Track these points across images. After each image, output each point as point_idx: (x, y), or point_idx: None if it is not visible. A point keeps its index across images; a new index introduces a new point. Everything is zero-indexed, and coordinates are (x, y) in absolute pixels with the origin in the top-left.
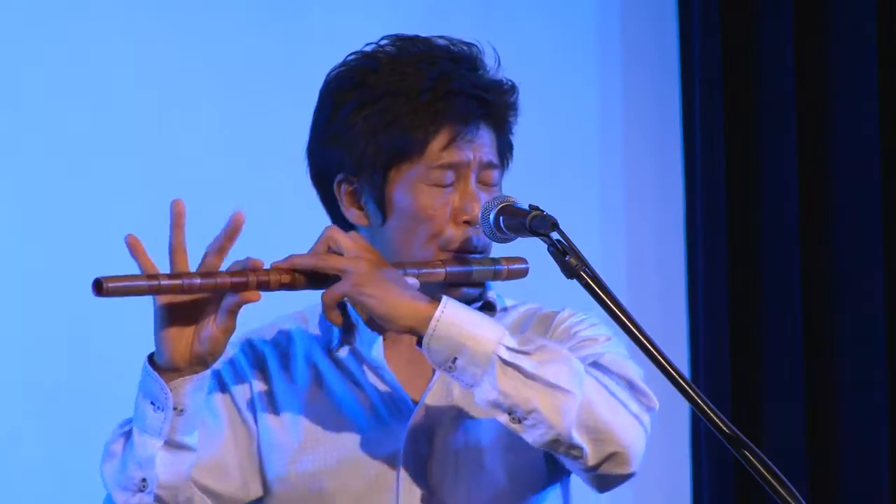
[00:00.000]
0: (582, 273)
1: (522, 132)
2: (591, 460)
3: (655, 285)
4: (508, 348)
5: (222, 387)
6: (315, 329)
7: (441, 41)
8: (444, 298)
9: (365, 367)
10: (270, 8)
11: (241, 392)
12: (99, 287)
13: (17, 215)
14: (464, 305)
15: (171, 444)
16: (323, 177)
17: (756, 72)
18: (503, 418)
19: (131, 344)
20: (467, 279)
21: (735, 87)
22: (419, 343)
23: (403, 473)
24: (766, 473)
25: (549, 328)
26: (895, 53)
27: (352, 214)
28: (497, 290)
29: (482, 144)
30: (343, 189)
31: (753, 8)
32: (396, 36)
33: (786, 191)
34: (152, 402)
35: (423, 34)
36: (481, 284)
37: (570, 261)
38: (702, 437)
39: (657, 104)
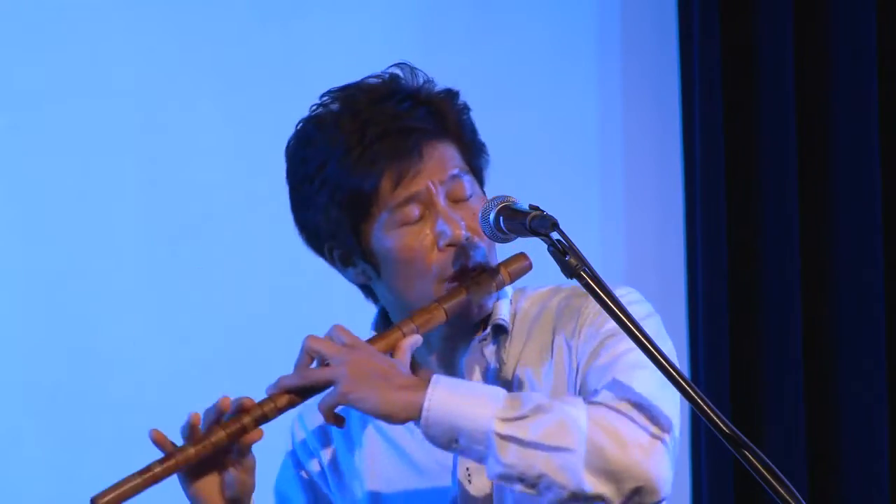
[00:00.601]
0: (582, 273)
1: (523, 132)
2: (617, 499)
3: (655, 285)
4: (503, 420)
5: (299, 467)
6: None
7: (372, 81)
8: (433, 381)
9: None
10: (270, 8)
11: (314, 469)
12: None
13: (17, 215)
14: (454, 382)
15: None
16: (312, 243)
17: (756, 72)
18: (518, 487)
19: (131, 344)
20: (471, 303)
21: (735, 87)
22: None
23: None
24: (766, 473)
25: (576, 324)
26: (895, 53)
27: (350, 275)
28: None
29: (435, 166)
30: (335, 254)
31: (753, 8)
32: (331, 90)
33: (786, 191)
34: None
35: (421, 35)
36: (475, 304)
37: (570, 261)
38: (702, 437)
39: (657, 104)
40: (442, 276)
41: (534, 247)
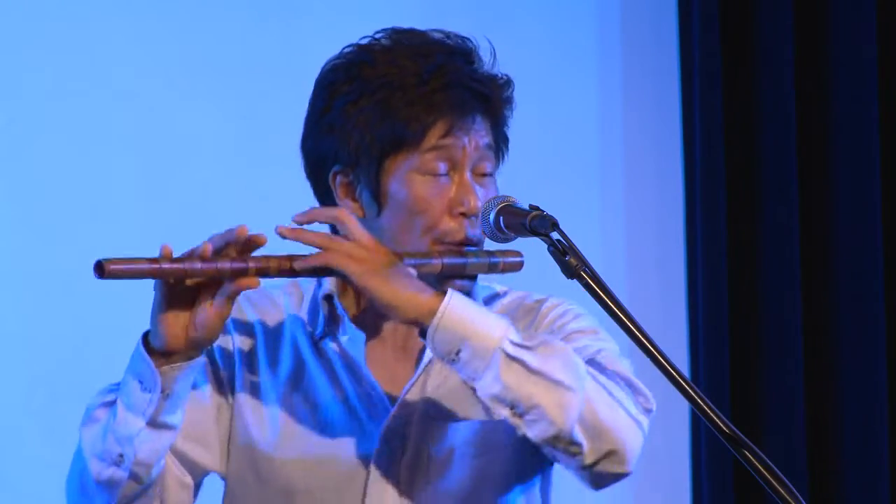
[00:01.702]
0: (582, 273)
1: (522, 132)
2: (589, 458)
3: (655, 285)
4: (513, 343)
5: (211, 360)
6: (304, 311)
7: (437, 34)
8: (450, 291)
9: (345, 363)
10: (270, 6)
11: (227, 369)
12: (101, 269)
13: (17, 215)
14: (468, 299)
15: (154, 424)
16: (318, 168)
17: (756, 71)
18: (504, 412)
19: (132, 343)
20: (462, 272)
21: (735, 86)
22: (422, 334)
23: (373, 474)
24: (766, 473)
25: (533, 321)
26: (895, 53)
27: (347, 206)
28: (487, 279)
29: (478, 134)
30: (338, 180)
31: (753, 7)
32: (392, 29)
33: (786, 191)
34: (140, 382)
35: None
36: (474, 277)
37: (570, 261)
38: (702, 437)
39: (657, 104)
40: (442, 239)
41: (534, 247)
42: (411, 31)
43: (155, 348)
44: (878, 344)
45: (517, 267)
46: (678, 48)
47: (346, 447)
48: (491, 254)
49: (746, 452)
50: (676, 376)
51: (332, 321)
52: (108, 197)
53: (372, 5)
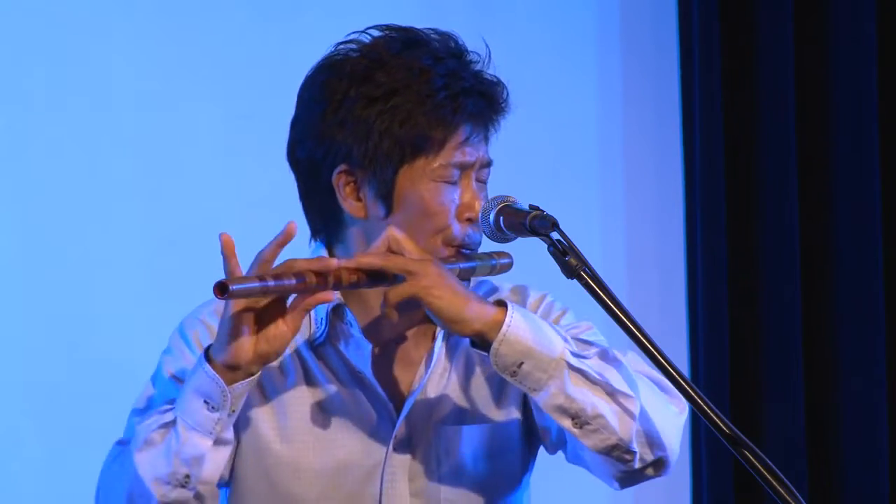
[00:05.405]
0: (582, 273)
1: (522, 132)
2: (638, 464)
3: (655, 285)
4: (572, 353)
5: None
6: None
7: (431, 34)
8: (510, 304)
9: (349, 372)
10: (270, 6)
11: None
12: (223, 289)
13: (16, 215)
14: (526, 310)
15: (218, 441)
16: (317, 167)
17: (756, 71)
18: (566, 423)
19: (131, 344)
20: (472, 275)
21: (735, 86)
22: (476, 346)
23: (387, 482)
24: (766, 473)
25: None
26: (895, 53)
27: (350, 205)
28: None
29: (484, 143)
30: (343, 180)
31: (753, 8)
32: (388, 27)
33: (786, 191)
34: (206, 402)
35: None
36: (468, 278)
37: (570, 261)
38: (702, 437)
39: (657, 104)
40: (450, 242)
41: (534, 247)
42: (409, 30)
43: (218, 363)
44: (878, 343)
45: (508, 267)
46: (678, 48)
47: (358, 456)
48: (490, 256)
49: (746, 452)
50: (676, 376)
51: (336, 330)
52: (108, 197)
53: (372, 5)
